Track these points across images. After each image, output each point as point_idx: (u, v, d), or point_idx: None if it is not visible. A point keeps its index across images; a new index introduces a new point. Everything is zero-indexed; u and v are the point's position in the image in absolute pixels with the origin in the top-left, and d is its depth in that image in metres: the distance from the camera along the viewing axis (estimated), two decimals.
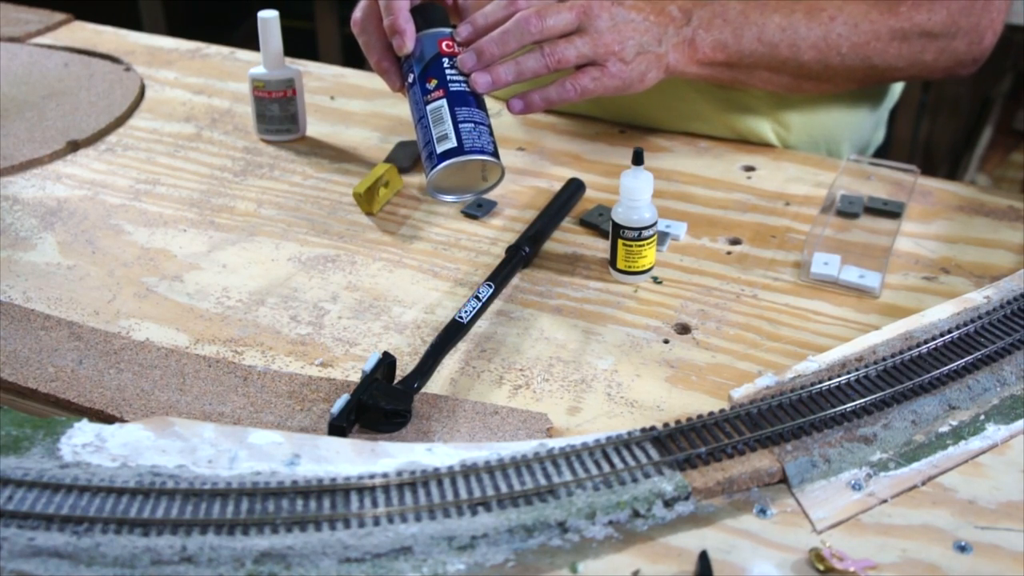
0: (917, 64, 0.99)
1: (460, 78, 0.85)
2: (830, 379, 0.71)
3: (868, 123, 1.14)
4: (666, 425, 0.67)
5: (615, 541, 0.62)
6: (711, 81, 0.99)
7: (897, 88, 1.18)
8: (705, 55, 0.95)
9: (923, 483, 0.66)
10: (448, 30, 0.88)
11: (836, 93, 1.06)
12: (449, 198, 0.88)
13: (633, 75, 0.90)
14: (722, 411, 0.69)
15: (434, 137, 0.84)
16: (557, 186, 0.98)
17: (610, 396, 0.74)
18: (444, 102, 0.84)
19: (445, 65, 0.85)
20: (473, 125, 0.84)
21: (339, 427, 0.69)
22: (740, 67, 0.97)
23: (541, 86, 0.88)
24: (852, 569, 0.59)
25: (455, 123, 0.83)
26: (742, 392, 0.72)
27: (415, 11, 0.88)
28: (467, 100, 0.85)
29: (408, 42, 0.86)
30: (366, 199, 0.96)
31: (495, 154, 0.84)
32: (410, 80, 0.87)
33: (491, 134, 0.85)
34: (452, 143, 0.83)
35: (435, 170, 0.83)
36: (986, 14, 0.99)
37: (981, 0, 0.98)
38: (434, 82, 0.85)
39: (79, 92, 1.18)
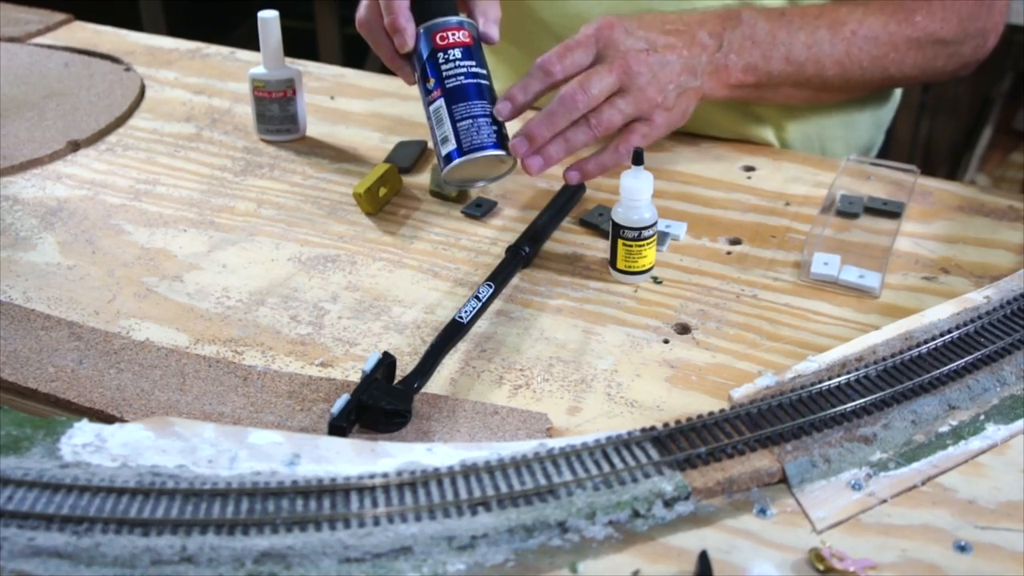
0: (929, 71, 1.01)
1: (456, 70, 0.85)
2: (830, 379, 0.71)
3: (867, 130, 1.15)
4: (666, 425, 0.67)
5: (615, 541, 0.62)
6: (737, 101, 1.00)
7: (896, 97, 1.18)
8: (737, 79, 0.95)
9: (923, 483, 0.66)
10: (444, 19, 0.86)
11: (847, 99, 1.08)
12: (469, 186, 0.88)
13: (676, 117, 0.92)
14: (722, 411, 0.69)
15: (438, 139, 0.85)
16: (557, 186, 0.98)
17: (610, 396, 0.74)
18: (442, 102, 0.84)
19: (441, 60, 0.85)
20: (471, 121, 0.83)
21: (339, 427, 0.69)
22: (767, 86, 0.98)
23: (594, 152, 0.89)
24: (852, 569, 0.59)
25: (453, 123, 0.84)
26: (742, 392, 0.72)
27: (415, 1, 0.87)
28: (465, 93, 0.84)
29: (408, 40, 0.86)
30: (366, 199, 0.96)
31: (498, 142, 0.84)
32: (416, 77, 0.88)
33: (494, 121, 0.84)
34: (452, 145, 0.83)
35: (444, 171, 0.85)
36: (990, 18, 1.01)
37: (985, 5, 0.99)
38: (432, 81, 0.85)
39: (79, 92, 1.18)
